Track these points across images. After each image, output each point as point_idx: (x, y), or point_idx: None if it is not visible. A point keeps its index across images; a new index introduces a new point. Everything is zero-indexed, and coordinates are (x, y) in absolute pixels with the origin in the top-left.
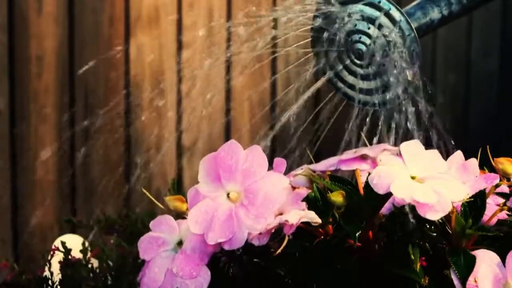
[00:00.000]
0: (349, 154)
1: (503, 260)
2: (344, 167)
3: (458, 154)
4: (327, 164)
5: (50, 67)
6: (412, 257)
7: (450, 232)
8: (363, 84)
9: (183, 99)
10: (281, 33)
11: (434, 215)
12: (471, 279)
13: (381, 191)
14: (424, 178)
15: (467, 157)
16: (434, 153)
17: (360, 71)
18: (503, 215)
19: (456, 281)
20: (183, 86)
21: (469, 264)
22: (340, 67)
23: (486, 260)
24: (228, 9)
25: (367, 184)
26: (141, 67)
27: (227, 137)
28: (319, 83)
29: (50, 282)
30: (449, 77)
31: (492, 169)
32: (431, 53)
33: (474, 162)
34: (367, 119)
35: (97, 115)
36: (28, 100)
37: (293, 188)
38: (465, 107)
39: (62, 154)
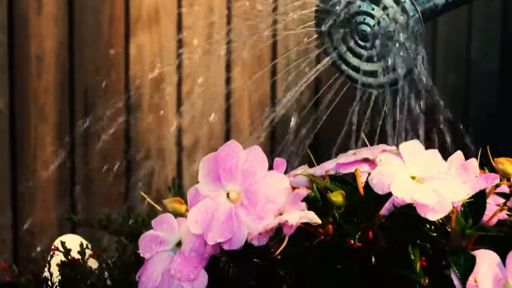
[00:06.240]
0: (348, 156)
1: (503, 260)
2: (343, 171)
3: (458, 154)
4: (326, 168)
5: (50, 67)
6: (412, 257)
7: (450, 232)
8: (367, 66)
9: (183, 99)
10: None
11: (434, 216)
12: (471, 279)
13: (381, 191)
14: (424, 178)
15: (467, 157)
16: (434, 153)
17: (364, 52)
18: (503, 215)
19: (456, 281)
20: (183, 85)
21: (469, 264)
22: (344, 49)
23: (486, 260)
24: (228, 9)
25: (367, 184)
26: (141, 67)
27: (227, 136)
28: (323, 65)
29: (49, 283)
30: (449, 77)
31: (492, 169)
32: (431, 52)
33: (474, 162)
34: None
35: (97, 115)
36: (28, 100)
37: (293, 188)
38: (465, 107)
39: (62, 154)
